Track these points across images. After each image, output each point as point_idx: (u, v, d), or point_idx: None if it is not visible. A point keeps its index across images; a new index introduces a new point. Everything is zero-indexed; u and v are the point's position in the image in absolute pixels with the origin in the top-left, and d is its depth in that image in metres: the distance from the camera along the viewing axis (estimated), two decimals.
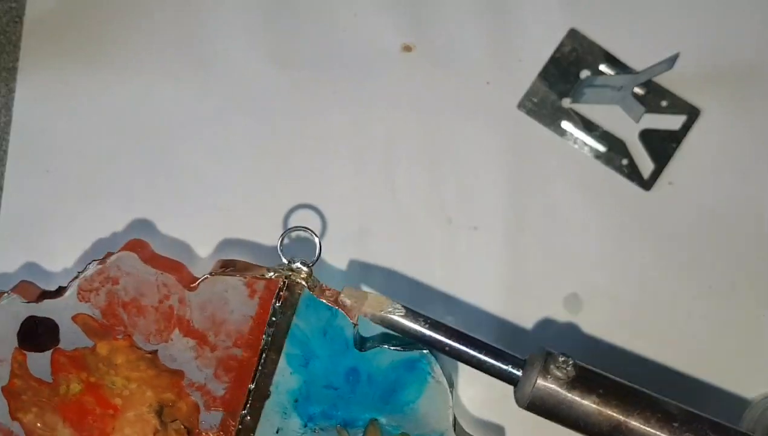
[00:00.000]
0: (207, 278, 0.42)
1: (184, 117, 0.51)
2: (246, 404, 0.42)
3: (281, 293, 0.41)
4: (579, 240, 0.50)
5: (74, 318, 0.42)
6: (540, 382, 0.38)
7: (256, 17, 0.52)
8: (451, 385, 0.43)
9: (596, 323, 0.49)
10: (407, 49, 0.51)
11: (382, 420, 0.43)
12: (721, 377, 0.48)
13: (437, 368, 0.42)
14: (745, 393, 0.48)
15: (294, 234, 0.45)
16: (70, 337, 0.42)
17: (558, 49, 0.51)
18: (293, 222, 0.50)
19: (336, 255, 0.49)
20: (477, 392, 0.49)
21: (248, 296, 0.41)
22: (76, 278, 0.42)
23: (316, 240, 0.43)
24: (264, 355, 0.42)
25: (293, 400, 0.43)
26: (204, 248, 0.50)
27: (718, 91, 0.50)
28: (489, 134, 0.51)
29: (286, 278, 0.41)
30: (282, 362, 0.42)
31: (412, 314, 0.40)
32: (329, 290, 0.42)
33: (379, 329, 0.43)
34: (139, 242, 0.43)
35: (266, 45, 0.52)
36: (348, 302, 0.41)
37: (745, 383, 0.48)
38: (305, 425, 0.43)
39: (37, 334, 0.42)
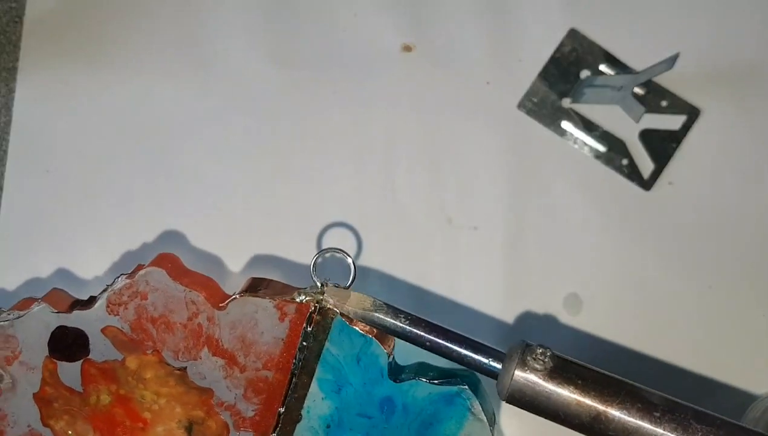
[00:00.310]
0: (235, 298, 0.41)
1: (184, 117, 0.51)
2: (276, 427, 0.42)
3: (313, 317, 0.41)
4: (579, 240, 0.50)
5: (104, 330, 0.41)
6: (518, 374, 0.38)
7: (256, 17, 0.52)
8: (492, 422, 0.42)
9: (596, 323, 0.49)
10: (407, 49, 0.51)
11: None
12: (720, 377, 0.48)
13: (477, 404, 0.41)
14: (745, 394, 0.48)
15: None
16: (100, 348, 0.42)
17: (558, 49, 0.51)
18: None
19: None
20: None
21: (278, 318, 0.41)
22: (105, 290, 0.42)
23: (350, 261, 0.42)
24: (294, 379, 0.41)
25: (325, 426, 0.42)
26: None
27: (718, 91, 0.50)
28: (489, 134, 0.51)
29: (317, 302, 0.40)
30: (314, 386, 0.41)
31: (392, 310, 0.40)
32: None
33: (415, 360, 0.43)
34: (168, 257, 0.43)
35: (266, 45, 0.52)
36: (331, 300, 0.40)
37: (744, 384, 0.48)
38: None
39: (67, 344, 0.42)
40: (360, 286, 0.49)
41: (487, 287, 0.49)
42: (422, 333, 0.40)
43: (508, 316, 0.49)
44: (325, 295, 0.41)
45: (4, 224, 0.50)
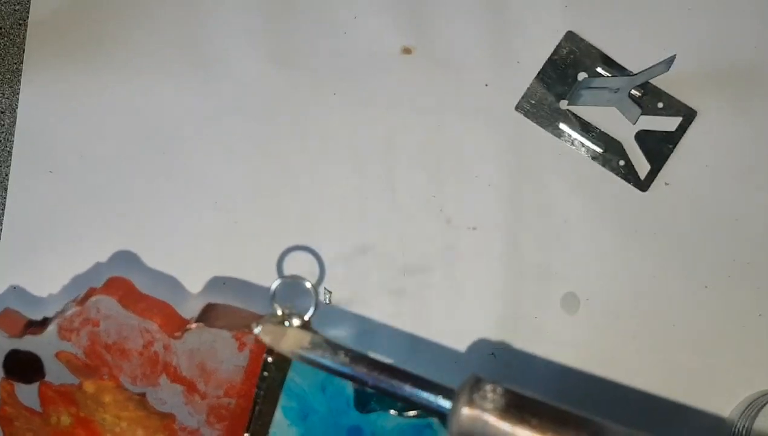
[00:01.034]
0: (190, 328, 0.39)
1: (184, 117, 0.51)
2: None
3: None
4: (576, 240, 0.50)
5: (57, 355, 0.40)
6: (465, 413, 0.34)
7: (256, 17, 0.52)
8: None
9: (593, 323, 0.50)
10: (407, 51, 0.52)
11: None
12: (718, 376, 0.49)
13: None
14: (743, 391, 0.49)
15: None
16: (56, 372, 0.40)
17: (556, 51, 0.51)
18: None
19: (335, 255, 0.50)
20: None
21: (237, 348, 0.39)
22: (55, 317, 0.40)
23: (309, 286, 0.40)
24: (258, 406, 0.40)
25: None
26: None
27: (714, 93, 0.51)
28: (488, 135, 0.51)
29: None
30: (278, 414, 0.40)
31: (332, 348, 0.37)
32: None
33: None
34: (119, 281, 0.41)
35: (266, 45, 0.52)
36: (267, 339, 0.38)
37: (742, 382, 0.49)
38: None
39: (21, 366, 0.41)
40: (359, 286, 0.50)
41: (485, 286, 0.50)
42: (364, 372, 0.37)
43: (506, 315, 0.50)
44: (260, 333, 0.38)
45: (9, 224, 0.50)
